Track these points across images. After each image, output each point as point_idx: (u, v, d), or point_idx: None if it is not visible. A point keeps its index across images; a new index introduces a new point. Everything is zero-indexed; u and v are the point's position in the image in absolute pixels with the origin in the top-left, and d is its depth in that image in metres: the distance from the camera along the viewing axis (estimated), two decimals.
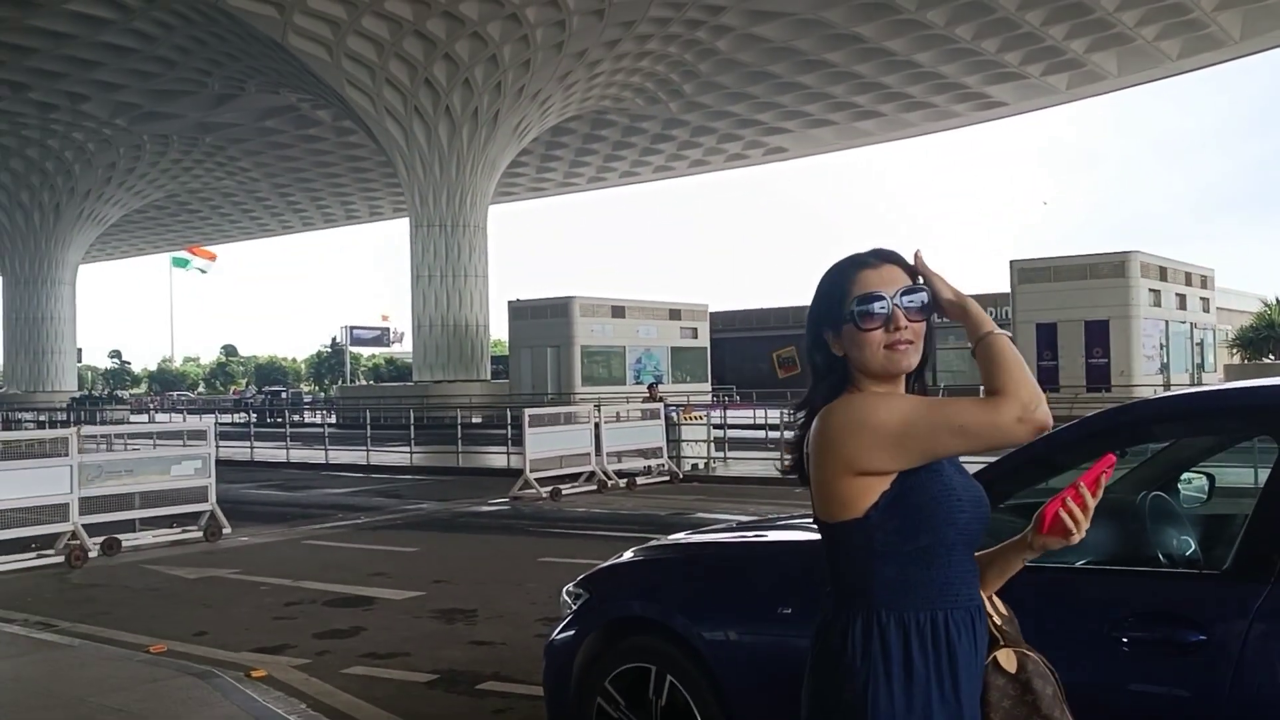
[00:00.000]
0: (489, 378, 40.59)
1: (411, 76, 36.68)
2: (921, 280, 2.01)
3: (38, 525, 10.84)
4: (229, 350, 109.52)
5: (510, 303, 40.30)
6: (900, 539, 1.92)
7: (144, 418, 46.12)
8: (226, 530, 12.27)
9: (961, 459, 2.02)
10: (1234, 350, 33.70)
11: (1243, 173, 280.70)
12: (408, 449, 22.40)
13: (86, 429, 15.96)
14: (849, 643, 1.93)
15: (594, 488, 16.43)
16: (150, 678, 5.85)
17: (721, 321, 49.41)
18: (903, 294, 1.97)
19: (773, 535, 4.31)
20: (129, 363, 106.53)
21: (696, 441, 19.18)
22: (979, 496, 2.00)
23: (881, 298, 1.96)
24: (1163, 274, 32.16)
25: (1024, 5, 35.13)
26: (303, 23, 33.89)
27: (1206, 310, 35.91)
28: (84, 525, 10.91)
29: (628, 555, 4.46)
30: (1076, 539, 1.90)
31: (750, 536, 4.41)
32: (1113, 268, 30.21)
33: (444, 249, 39.21)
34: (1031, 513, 2.01)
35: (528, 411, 16.63)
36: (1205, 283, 35.76)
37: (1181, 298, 33.43)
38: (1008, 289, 31.78)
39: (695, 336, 42.72)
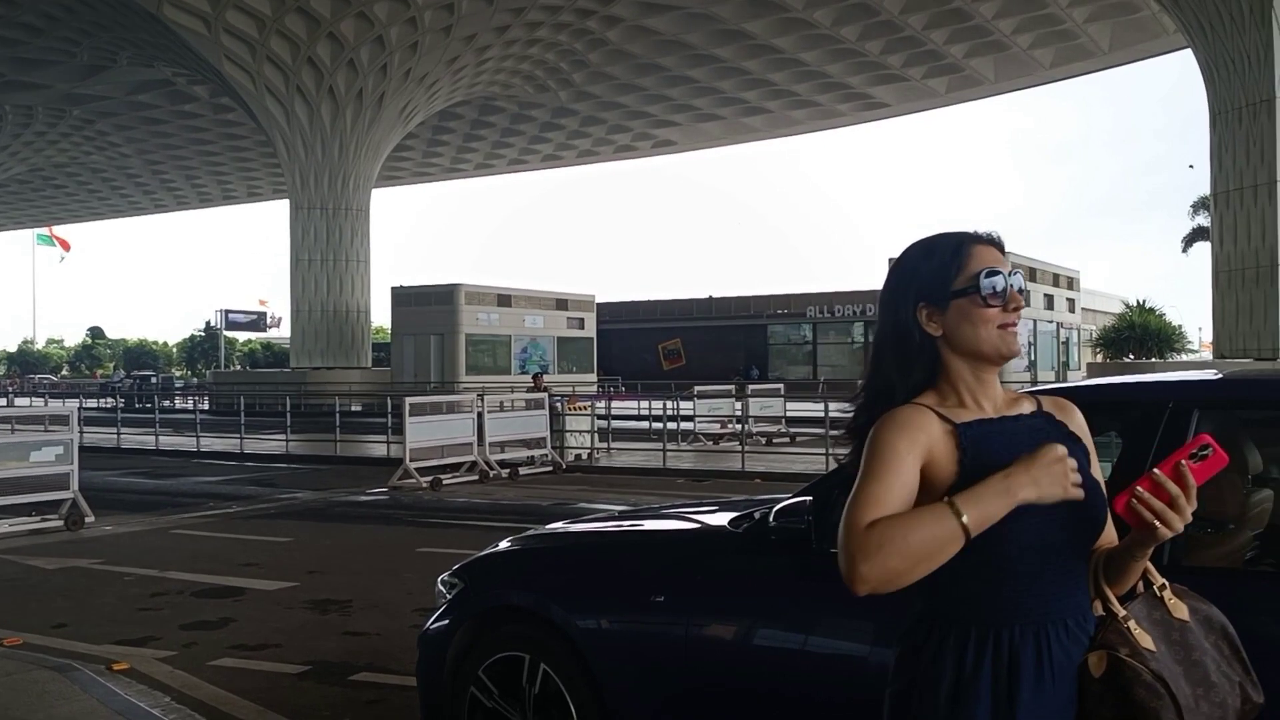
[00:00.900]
0: (370, 365, 39.86)
1: (294, 54, 35.67)
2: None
3: None
4: (95, 332, 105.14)
5: (394, 289, 39.69)
6: (960, 554, 1.70)
7: (2, 401, 44.20)
8: (90, 519, 11.85)
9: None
10: (1097, 349, 35.26)
11: (1127, 176, 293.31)
12: (284, 437, 21.88)
13: None
14: (924, 654, 1.82)
15: (476, 478, 16.33)
16: (3, 671, 5.62)
17: (608, 313, 49.57)
18: (1015, 274, 1.88)
19: (649, 524, 4.37)
20: None
21: (581, 432, 19.18)
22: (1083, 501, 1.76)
23: (1004, 274, 1.86)
24: (1031, 274, 33.39)
25: (907, 9, 36.09)
26: None
27: (1072, 310, 37.45)
28: None
29: (504, 545, 4.46)
30: (1166, 532, 1.65)
31: (626, 526, 4.46)
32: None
33: (325, 232, 38.32)
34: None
35: (409, 400, 16.44)
36: (1072, 284, 37.30)
37: (1049, 298, 34.79)
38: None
39: (582, 327, 42.74)
